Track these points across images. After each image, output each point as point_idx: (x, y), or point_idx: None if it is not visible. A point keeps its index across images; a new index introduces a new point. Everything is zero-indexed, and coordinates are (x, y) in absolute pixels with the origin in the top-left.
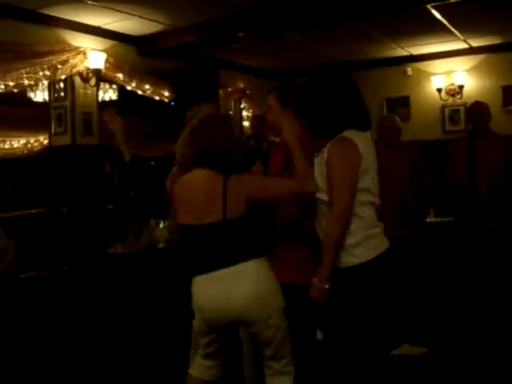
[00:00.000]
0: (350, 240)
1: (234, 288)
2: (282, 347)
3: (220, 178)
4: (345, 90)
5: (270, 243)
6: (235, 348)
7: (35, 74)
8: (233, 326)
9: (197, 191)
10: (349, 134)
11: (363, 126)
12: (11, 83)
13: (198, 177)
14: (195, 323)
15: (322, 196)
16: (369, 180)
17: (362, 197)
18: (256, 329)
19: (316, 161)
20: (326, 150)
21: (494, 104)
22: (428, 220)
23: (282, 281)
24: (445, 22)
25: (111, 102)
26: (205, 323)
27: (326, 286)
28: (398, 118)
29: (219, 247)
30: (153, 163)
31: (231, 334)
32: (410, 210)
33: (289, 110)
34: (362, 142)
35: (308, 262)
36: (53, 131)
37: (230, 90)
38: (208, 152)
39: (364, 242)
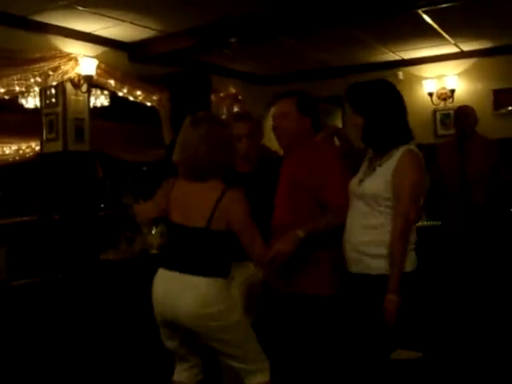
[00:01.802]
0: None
1: (182, 295)
2: (244, 354)
3: (218, 189)
4: (402, 101)
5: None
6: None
7: (26, 80)
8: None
9: (194, 196)
10: (413, 146)
11: (412, 136)
12: (2, 90)
13: (199, 184)
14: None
15: (384, 203)
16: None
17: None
18: (203, 340)
19: (378, 167)
20: (389, 160)
21: (486, 108)
22: (418, 224)
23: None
24: (436, 26)
25: (103, 108)
26: (155, 313)
27: (397, 299)
28: None
29: (190, 251)
30: (145, 168)
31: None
32: None
33: (307, 121)
34: (420, 154)
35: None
36: (44, 138)
37: (222, 95)
38: (192, 164)
39: (410, 253)
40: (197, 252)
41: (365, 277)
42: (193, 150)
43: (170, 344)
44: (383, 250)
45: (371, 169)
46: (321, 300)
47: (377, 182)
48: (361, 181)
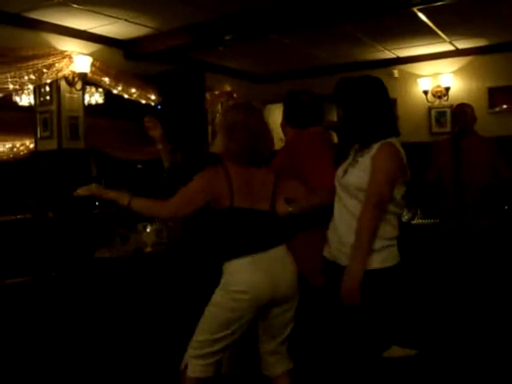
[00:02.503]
0: (377, 244)
1: (281, 267)
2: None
3: (272, 173)
4: (387, 99)
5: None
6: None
7: (20, 78)
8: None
9: (254, 180)
10: (394, 140)
11: (397, 132)
12: None
13: (255, 169)
14: (226, 311)
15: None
16: (405, 187)
17: (399, 203)
18: (287, 306)
19: (360, 159)
20: (369, 153)
21: (481, 106)
22: (414, 222)
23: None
24: (431, 24)
25: (98, 105)
26: (246, 304)
27: (359, 283)
28: None
29: (267, 230)
30: (140, 166)
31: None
32: None
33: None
34: (402, 150)
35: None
36: (39, 136)
37: (217, 93)
38: (257, 147)
39: (387, 249)
40: (271, 229)
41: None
42: (263, 137)
43: (222, 333)
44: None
45: (355, 161)
46: (308, 287)
47: (357, 174)
48: (345, 171)
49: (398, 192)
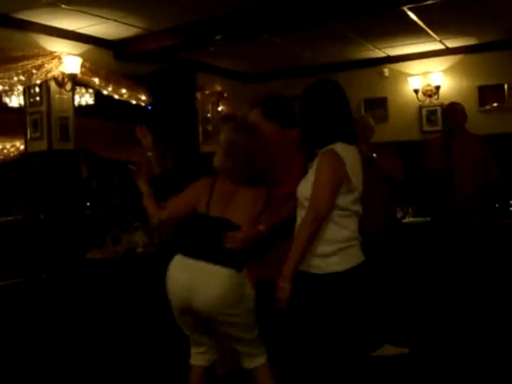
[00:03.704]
0: (328, 248)
1: (203, 282)
2: (251, 337)
3: (265, 194)
4: (337, 104)
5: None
6: None
7: (10, 79)
8: (193, 317)
9: (240, 197)
10: (337, 146)
11: (351, 139)
12: None
13: (245, 187)
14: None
15: (303, 209)
16: (354, 193)
17: (346, 209)
18: (216, 325)
19: (309, 170)
20: (316, 161)
21: (471, 104)
22: (405, 220)
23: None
24: (420, 23)
25: (88, 106)
26: (169, 296)
27: (288, 287)
28: (371, 119)
29: (219, 243)
30: (131, 167)
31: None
32: None
33: (274, 124)
34: (350, 155)
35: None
36: (29, 137)
37: (207, 92)
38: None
39: (342, 252)
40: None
41: (306, 274)
42: (259, 157)
43: (185, 327)
44: (318, 248)
45: (308, 170)
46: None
47: (304, 184)
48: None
49: (343, 200)
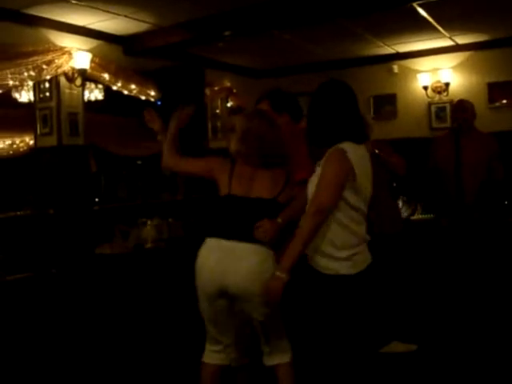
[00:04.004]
0: (339, 253)
1: (235, 260)
2: (274, 324)
3: (284, 175)
4: (346, 104)
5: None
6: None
7: (20, 74)
8: (226, 301)
9: (260, 178)
10: (345, 145)
11: (360, 138)
12: None
13: (262, 170)
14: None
15: None
16: (364, 194)
17: (357, 208)
18: (245, 309)
19: (317, 168)
20: (324, 158)
21: (480, 101)
22: (413, 217)
23: None
24: (430, 19)
25: (97, 101)
26: (198, 283)
27: (285, 278)
28: (367, 116)
29: (250, 221)
30: (139, 162)
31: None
32: None
33: (285, 117)
34: (358, 154)
35: None
36: (38, 132)
37: (216, 88)
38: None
39: (353, 257)
40: (252, 221)
41: (315, 272)
42: (271, 142)
43: (209, 316)
44: (328, 250)
45: (316, 169)
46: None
47: (312, 181)
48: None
49: (352, 198)
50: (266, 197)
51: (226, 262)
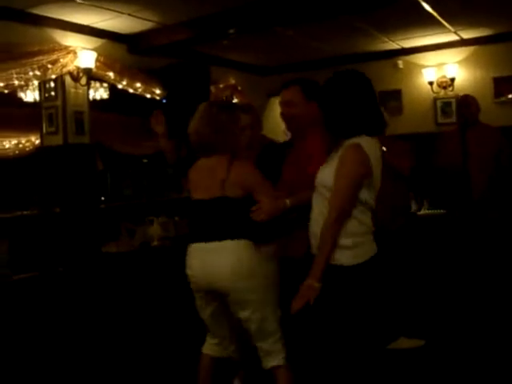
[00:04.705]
0: (348, 242)
1: (212, 260)
2: (264, 326)
3: (226, 161)
4: (364, 93)
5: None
6: None
7: (25, 74)
8: (219, 301)
9: (206, 171)
10: (363, 141)
11: (378, 130)
12: (1, 84)
13: (208, 160)
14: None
15: (325, 193)
16: (373, 189)
17: (365, 204)
18: (234, 300)
19: (330, 158)
20: (340, 151)
21: (486, 96)
22: (420, 213)
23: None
24: (435, 14)
25: (102, 100)
26: (192, 286)
27: (318, 286)
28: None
29: (213, 221)
30: (145, 161)
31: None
32: None
33: (313, 105)
34: (374, 149)
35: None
36: (44, 131)
37: (221, 86)
38: (196, 141)
39: (359, 245)
40: (219, 220)
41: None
42: (194, 129)
43: (203, 315)
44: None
45: (330, 158)
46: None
47: (326, 171)
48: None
49: (364, 195)
50: (217, 194)
51: (207, 260)
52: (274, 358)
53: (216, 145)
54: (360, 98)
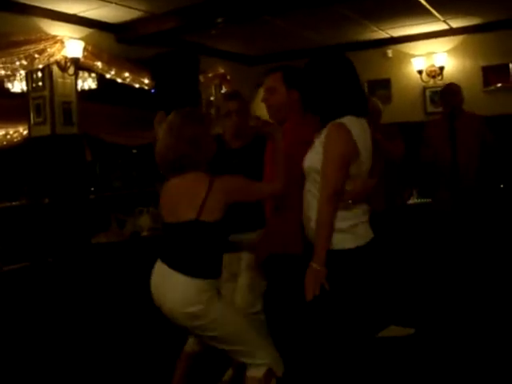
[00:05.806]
0: (341, 224)
1: (164, 287)
2: (236, 349)
3: (204, 180)
4: (345, 75)
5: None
6: None
7: (12, 63)
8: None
9: (181, 192)
10: (347, 120)
11: (361, 111)
12: None
13: (182, 179)
14: None
15: (316, 176)
16: (364, 169)
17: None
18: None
19: (316, 141)
20: (324, 133)
21: (475, 85)
22: (409, 202)
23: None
24: (424, 3)
25: (91, 90)
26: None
27: (324, 270)
28: (379, 101)
29: (177, 247)
30: (135, 151)
31: None
32: None
33: (293, 94)
34: (360, 128)
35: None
36: (32, 122)
37: (210, 75)
38: (166, 159)
39: (353, 229)
40: (182, 248)
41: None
42: (163, 144)
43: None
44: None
45: (314, 143)
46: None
47: (310, 156)
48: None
49: (353, 170)
50: (189, 217)
51: (161, 288)
52: (252, 370)
53: (190, 159)
54: (340, 78)
